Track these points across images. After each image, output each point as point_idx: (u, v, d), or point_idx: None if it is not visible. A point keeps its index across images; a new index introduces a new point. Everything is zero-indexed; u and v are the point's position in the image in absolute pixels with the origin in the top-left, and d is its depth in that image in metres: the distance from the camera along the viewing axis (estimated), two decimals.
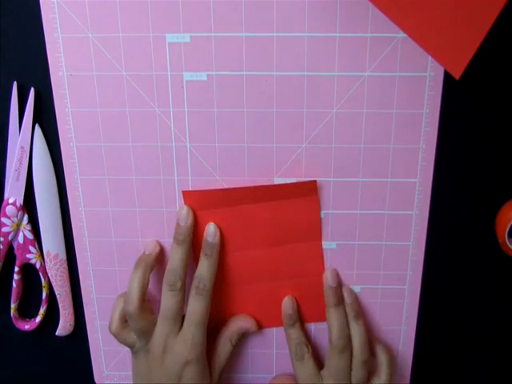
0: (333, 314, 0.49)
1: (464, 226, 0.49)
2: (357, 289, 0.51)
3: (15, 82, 0.46)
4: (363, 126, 0.46)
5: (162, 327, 0.47)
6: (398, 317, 0.52)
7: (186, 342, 0.47)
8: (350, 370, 0.49)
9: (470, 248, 0.50)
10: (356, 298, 0.50)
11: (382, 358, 0.51)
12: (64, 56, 0.45)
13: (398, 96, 0.45)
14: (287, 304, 0.50)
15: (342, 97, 0.45)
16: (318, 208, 0.48)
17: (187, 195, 0.48)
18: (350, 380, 0.49)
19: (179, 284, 0.47)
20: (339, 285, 0.50)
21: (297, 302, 0.51)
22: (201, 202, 0.48)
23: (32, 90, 0.46)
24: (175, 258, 0.47)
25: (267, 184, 0.47)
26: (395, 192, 0.48)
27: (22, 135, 0.47)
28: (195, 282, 0.47)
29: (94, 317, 0.54)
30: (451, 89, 0.44)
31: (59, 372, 0.57)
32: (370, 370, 0.50)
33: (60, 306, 0.53)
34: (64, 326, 0.54)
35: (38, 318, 0.53)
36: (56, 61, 0.45)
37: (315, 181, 0.47)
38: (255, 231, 0.49)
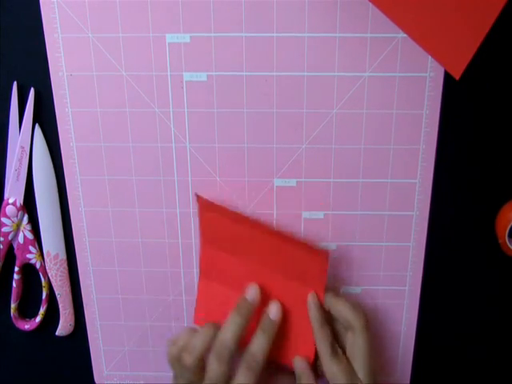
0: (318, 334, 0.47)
1: (464, 227, 0.49)
2: (357, 290, 0.51)
3: (15, 82, 0.46)
4: (363, 126, 0.46)
5: None
6: (398, 317, 0.52)
7: None
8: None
9: (470, 248, 0.50)
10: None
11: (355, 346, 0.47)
12: (64, 56, 0.45)
13: (398, 96, 0.45)
14: (300, 366, 0.48)
15: (342, 97, 0.45)
16: (325, 276, 0.47)
17: (200, 200, 0.47)
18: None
19: (230, 356, 0.44)
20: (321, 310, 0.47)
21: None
22: (213, 208, 0.48)
23: (32, 89, 0.46)
24: (232, 329, 0.45)
25: (282, 232, 0.47)
26: (395, 193, 0.48)
27: (22, 135, 0.47)
28: (248, 357, 0.45)
29: (94, 317, 0.54)
30: (451, 89, 0.44)
31: (59, 372, 0.57)
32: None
33: (60, 305, 0.53)
34: (64, 326, 0.54)
35: (38, 318, 0.53)
36: (56, 61, 0.45)
37: (328, 252, 0.46)
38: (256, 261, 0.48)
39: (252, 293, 0.47)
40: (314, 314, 0.47)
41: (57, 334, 0.54)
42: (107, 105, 0.46)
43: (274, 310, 0.47)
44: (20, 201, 0.49)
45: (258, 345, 0.45)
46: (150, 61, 0.45)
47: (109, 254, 0.51)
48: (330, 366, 0.46)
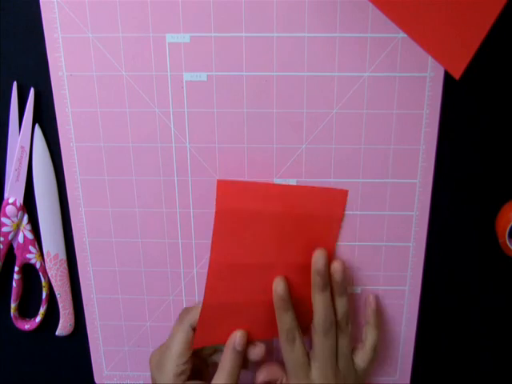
0: (318, 299, 0.48)
1: (464, 227, 0.49)
2: (357, 289, 0.51)
3: (15, 82, 0.46)
4: (363, 126, 0.46)
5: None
6: (398, 317, 0.52)
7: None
8: (336, 352, 0.49)
9: (470, 248, 0.50)
10: (345, 279, 0.48)
11: (368, 337, 0.50)
12: (64, 56, 0.45)
13: (398, 96, 0.45)
14: (280, 287, 0.48)
15: (342, 97, 0.45)
16: (342, 214, 0.48)
17: (221, 185, 0.47)
18: (337, 362, 0.49)
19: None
20: (327, 270, 0.48)
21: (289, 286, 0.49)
22: (234, 194, 0.48)
23: (32, 90, 0.46)
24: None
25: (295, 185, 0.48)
26: (395, 192, 0.48)
27: (22, 135, 0.47)
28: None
29: (94, 317, 0.54)
30: (451, 89, 0.44)
31: (59, 372, 0.57)
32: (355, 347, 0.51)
33: (60, 305, 0.53)
34: (64, 326, 0.54)
35: (38, 318, 0.53)
36: (56, 61, 0.45)
37: (347, 190, 0.47)
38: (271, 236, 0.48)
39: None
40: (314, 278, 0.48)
41: (57, 334, 0.54)
42: (107, 105, 0.46)
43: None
44: (20, 201, 0.49)
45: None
46: (150, 61, 0.45)
47: (109, 254, 0.51)
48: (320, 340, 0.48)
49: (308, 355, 0.49)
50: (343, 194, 0.47)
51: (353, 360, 0.50)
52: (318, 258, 0.47)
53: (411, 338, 0.53)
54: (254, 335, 0.50)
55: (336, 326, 0.48)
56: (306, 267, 0.48)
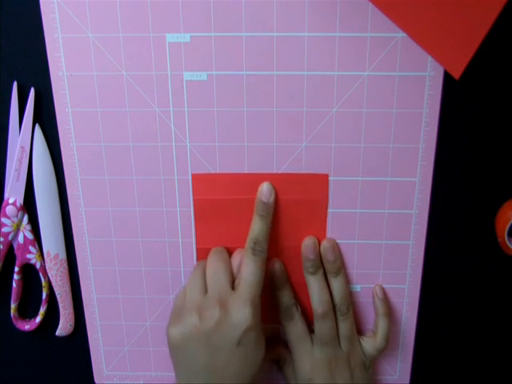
0: (311, 281, 0.49)
1: (463, 225, 0.49)
2: (357, 288, 0.51)
3: (15, 82, 0.46)
4: (363, 125, 0.46)
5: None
6: (397, 316, 0.52)
7: (244, 303, 0.45)
8: (337, 333, 0.49)
9: (469, 247, 0.50)
10: (338, 256, 0.49)
11: (379, 325, 0.51)
12: (64, 56, 0.45)
13: (398, 96, 0.45)
14: (276, 266, 0.50)
15: (341, 96, 0.45)
16: (327, 199, 0.48)
17: (196, 178, 0.48)
18: (339, 342, 0.50)
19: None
20: (317, 256, 0.49)
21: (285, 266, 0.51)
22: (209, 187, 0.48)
23: (32, 89, 0.46)
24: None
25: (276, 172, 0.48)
26: (395, 191, 0.48)
27: (22, 135, 0.47)
28: (250, 244, 0.47)
29: (94, 317, 0.54)
30: (451, 88, 0.45)
31: (59, 372, 0.57)
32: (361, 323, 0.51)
33: (60, 306, 0.53)
34: (64, 326, 0.54)
35: (38, 318, 0.53)
36: (56, 61, 0.45)
37: (327, 174, 0.48)
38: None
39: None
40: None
41: (57, 334, 0.54)
42: (107, 105, 0.46)
43: (264, 191, 0.48)
44: (20, 201, 0.49)
45: (258, 229, 0.47)
46: (150, 60, 0.45)
47: (109, 254, 0.51)
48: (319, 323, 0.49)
49: (308, 332, 0.50)
50: (324, 177, 0.47)
51: (360, 344, 0.51)
52: (306, 241, 0.49)
53: (411, 337, 0.53)
54: None
55: (335, 309, 0.49)
56: (296, 250, 0.50)
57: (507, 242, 0.47)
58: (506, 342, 0.53)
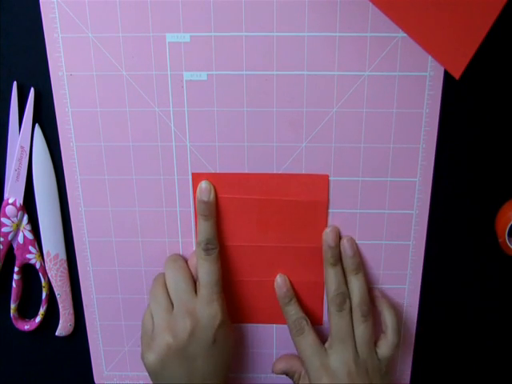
0: (330, 273, 0.48)
1: (464, 225, 0.49)
2: None
3: (15, 82, 0.46)
4: (363, 125, 0.46)
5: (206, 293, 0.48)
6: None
7: (211, 303, 0.47)
8: (353, 328, 0.49)
9: (469, 247, 0.50)
10: (357, 252, 0.49)
11: (386, 319, 0.49)
12: (64, 56, 0.45)
13: (398, 95, 0.45)
14: (280, 282, 0.50)
15: (341, 96, 0.45)
16: (327, 200, 0.48)
17: (196, 178, 0.48)
18: (354, 339, 0.48)
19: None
20: (337, 245, 0.49)
21: (291, 282, 0.51)
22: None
23: (32, 90, 0.46)
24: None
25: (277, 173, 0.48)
26: (395, 191, 0.48)
27: (22, 135, 0.47)
28: (202, 246, 0.48)
29: (94, 317, 0.54)
30: (451, 88, 0.45)
31: (59, 372, 0.57)
32: (375, 330, 0.50)
33: (60, 306, 0.53)
34: (64, 326, 0.54)
35: (38, 318, 0.53)
36: (56, 61, 0.45)
37: (327, 175, 0.47)
38: (261, 221, 0.49)
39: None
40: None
41: (57, 334, 0.54)
42: (107, 105, 0.46)
43: (203, 190, 0.48)
44: (20, 201, 0.49)
45: (206, 229, 0.48)
46: (150, 60, 0.45)
47: (109, 254, 0.51)
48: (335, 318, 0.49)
49: (321, 344, 0.49)
50: (324, 178, 0.47)
51: (376, 351, 0.49)
52: (328, 233, 0.49)
53: (411, 337, 0.53)
54: (243, 316, 0.53)
55: (354, 309, 0.48)
56: (296, 250, 0.50)
57: (507, 243, 0.47)
58: (506, 341, 0.53)
